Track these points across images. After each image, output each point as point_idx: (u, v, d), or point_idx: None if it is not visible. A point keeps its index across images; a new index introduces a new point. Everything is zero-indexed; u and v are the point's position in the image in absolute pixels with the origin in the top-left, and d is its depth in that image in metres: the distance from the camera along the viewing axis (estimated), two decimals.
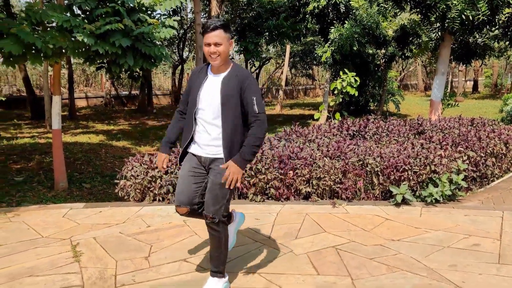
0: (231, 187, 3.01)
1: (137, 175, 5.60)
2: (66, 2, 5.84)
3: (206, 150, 3.17)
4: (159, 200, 5.58)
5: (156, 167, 5.58)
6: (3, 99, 10.05)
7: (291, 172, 5.46)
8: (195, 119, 3.18)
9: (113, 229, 4.67)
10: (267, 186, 5.52)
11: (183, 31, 20.18)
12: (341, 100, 9.38)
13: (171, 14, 15.69)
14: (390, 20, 11.33)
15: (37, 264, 3.81)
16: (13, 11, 13.31)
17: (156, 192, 5.56)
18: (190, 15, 21.40)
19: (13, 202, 5.97)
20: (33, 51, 5.27)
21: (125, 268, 3.75)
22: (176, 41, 20.62)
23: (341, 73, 8.43)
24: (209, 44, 3.00)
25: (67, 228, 4.68)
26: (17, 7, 21.82)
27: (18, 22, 5.15)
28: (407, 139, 6.85)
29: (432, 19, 8.73)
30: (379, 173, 5.58)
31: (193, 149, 3.25)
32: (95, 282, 3.51)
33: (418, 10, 9.45)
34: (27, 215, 5.11)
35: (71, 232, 4.57)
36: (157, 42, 5.73)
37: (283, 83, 21.07)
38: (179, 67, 20.82)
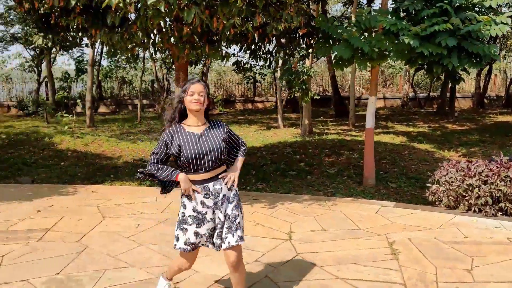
0: None
1: (452, 182, 5.34)
2: (391, 5, 6.03)
3: None
4: (474, 210, 5.19)
5: (474, 176, 5.21)
6: (318, 97, 11.25)
7: None
8: None
9: (427, 233, 4.59)
10: None
11: None
12: None
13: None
14: None
15: (359, 254, 4.08)
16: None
17: (472, 202, 5.19)
18: None
19: (328, 192, 6.59)
20: (360, 55, 5.65)
21: (446, 277, 3.62)
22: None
23: None
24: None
25: (382, 225, 4.86)
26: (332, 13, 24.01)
27: (349, 28, 5.62)
28: None
29: None
30: None
31: None
32: (416, 284, 3.51)
33: None
34: (344, 206, 5.56)
35: (385, 229, 4.72)
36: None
37: None
38: (486, 68, 19.00)
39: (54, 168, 8.15)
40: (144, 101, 18.92)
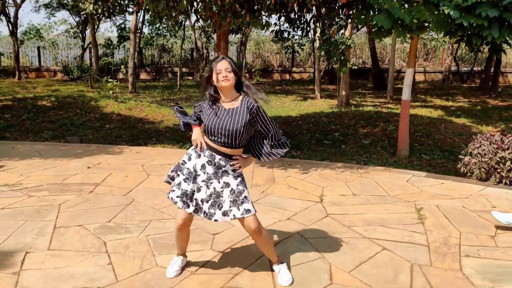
0: None
1: (484, 154, 5.42)
2: None
3: None
4: (505, 183, 5.28)
5: (507, 149, 5.27)
6: (356, 67, 11.25)
7: None
8: None
9: (456, 202, 4.74)
10: None
11: None
12: None
13: None
14: None
15: (387, 218, 4.30)
16: None
17: (504, 175, 5.27)
18: None
19: (361, 161, 6.77)
20: (399, 25, 5.70)
21: (470, 241, 3.80)
22: None
23: None
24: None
25: (411, 192, 5.04)
26: None
27: None
28: None
29: None
30: None
31: None
32: (439, 246, 3.71)
33: None
34: (375, 174, 5.74)
35: (414, 197, 4.89)
36: None
37: None
38: None
39: (100, 130, 8.65)
40: (184, 69, 19.29)
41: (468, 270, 3.33)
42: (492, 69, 15.89)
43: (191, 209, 2.99)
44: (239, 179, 3.02)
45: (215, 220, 2.98)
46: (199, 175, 3.00)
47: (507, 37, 5.27)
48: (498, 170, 5.31)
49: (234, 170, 3.02)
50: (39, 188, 5.03)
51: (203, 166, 3.00)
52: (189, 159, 3.07)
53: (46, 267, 3.31)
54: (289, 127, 9.00)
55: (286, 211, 4.44)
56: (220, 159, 2.99)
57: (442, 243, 3.77)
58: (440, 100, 13.29)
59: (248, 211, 2.94)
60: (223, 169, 2.99)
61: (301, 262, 3.42)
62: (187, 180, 3.01)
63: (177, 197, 3.00)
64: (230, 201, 2.96)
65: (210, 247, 3.67)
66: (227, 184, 2.98)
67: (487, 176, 5.45)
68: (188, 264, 3.35)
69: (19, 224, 4.03)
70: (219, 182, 2.98)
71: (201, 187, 2.98)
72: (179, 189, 3.01)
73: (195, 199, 2.98)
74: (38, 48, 20.94)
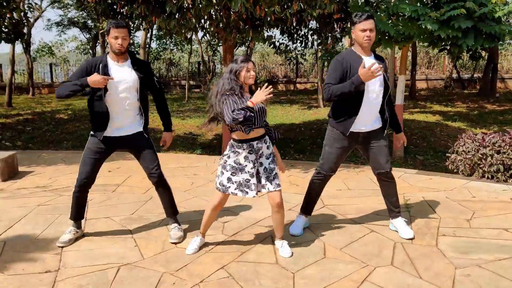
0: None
1: (468, 151, 6.01)
2: None
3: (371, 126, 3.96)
4: (487, 177, 5.85)
5: (488, 146, 5.85)
6: None
7: None
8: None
9: (440, 194, 5.33)
10: None
11: None
12: None
13: None
14: None
15: (377, 207, 4.90)
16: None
17: (486, 170, 5.84)
18: None
19: (358, 162, 7.37)
20: (386, 37, 6.35)
21: (447, 224, 4.39)
22: None
23: None
24: (364, 30, 3.72)
25: (401, 187, 5.62)
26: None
27: (379, 13, 6.32)
28: None
29: None
30: None
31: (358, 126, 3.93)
32: (421, 228, 4.30)
33: None
34: (370, 172, 6.24)
35: (403, 190, 5.49)
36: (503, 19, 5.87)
37: None
38: None
39: None
40: (191, 82, 20.05)
41: (443, 245, 3.92)
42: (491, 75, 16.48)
43: (251, 193, 3.62)
44: (270, 158, 3.71)
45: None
46: (246, 165, 3.62)
47: (481, 45, 5.89)
48: (481, 166, 5.89)
49: (268, 147, 3.70)
50: (68, 188, 5.69)
51: (245, 158, 3.62)
52: (229, 157, 3.67)
53: (82, 249, 3.94)
54: (292, 134, 9.64)
55: (288, 203, 5.04)
56: (257, 143, 3.61)
57: (423, 226, 4.36)
58: (439, 106, 13.87)
59: (278, 185, 3.67)
60: (260, 152, 3.65)
61: (299, 242, 4.03)
62: (234, 174, 3.64)
63: (234, 189, 3.65)
64: (265, 177, 3.65)
65: (221, 232, 4.29)
66: (260, 164, 3.68)
67: (471, 172, 6.03)
68: (204, 245, 3.97)
69: (55, 217, 4.68)
70: (261, 166, 3.67)
71: (252, 173, 3.62)
72: (232, 183, 3.64)
73: (253, 183, 3.62)
74: (50, 64, 21.84)
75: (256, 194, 3.64)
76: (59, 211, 4.86)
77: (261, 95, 3.41)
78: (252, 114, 3.40)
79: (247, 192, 3.63)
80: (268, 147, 3.70)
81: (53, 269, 3.57)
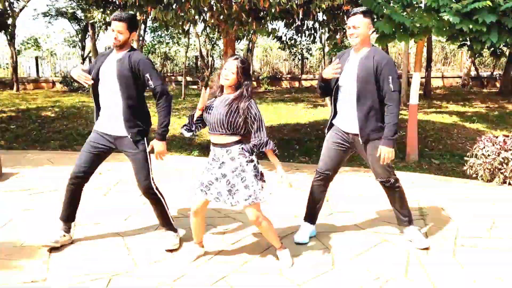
0: (386, 163, 3.94)
1: (488, 155, 6.01)
2: None
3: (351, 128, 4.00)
4: (509, 183, 5.85)
5: (510, 149, 5.85)
6: None
7: None
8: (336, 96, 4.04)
9: (458, 201, 5.33)
10: None
11: None
12: None
13: None
14: None
15: (390, 215, 4.90)
16: None
17: (507, 175, 5.84)
18: None
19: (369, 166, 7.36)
20: (401, 30, 6.36)
21: (466, 233, 4.39)
22: None
23: None
24: (348, 27, 3.91)
25: (415, 192, 5.62)
26: None
27: (392, 4, 6.33)
28: None
29: None
30: None
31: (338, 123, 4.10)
32: (437, 237, 4.30)
33: None
34: None
35: (418, 196, 5.49)
36: None
37: None
38: None
39: None
40: (188, 78, 20.07)
41: (460, 256, 3.91)
42: None
43: (210, 197, 3.68)
44: (236, 172, 3.61)
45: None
46: (214, 167, 3.68)
47: (507, 41, 5.89)
48: (502, 171, 5.89)
49: (233, 159, 3.64)
50: (55, 192, 5.70)
51: (212, 160, 3.70)
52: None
53: (71, 257, 3.95)
54: (297, 134, 9.64)
55: (293, 208, 5.05)
56: (219, 151, 3.66)
57: (439, 235, 4.36)
58: (456, 106, 13.88)
59: (236, 202, 3.59)
60: (221, 161, 3.65)
61: (306, 251, 4.03)
62: (203, 173, 3.71)
63: (197, 188, 3.73)
64: (227, 190, 3.60)
65: (221, 240, 4.29)
66: (223, 175, 3.64)
67: (491, 177, 6.03)
68: (203, 253, 3.97)
69: (42, 223, 4.69)
70: (221, 173, 3.65)
71: (213, 175, 3.67)
72: (200, 182, 3.72)
73: (214, 188, 3.66)
74: (36, 58, 21.87)
75: (215, 200, 3.64)
76: (46, 216, 4.87)
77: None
78: (187, 127, 3.75)
79: (205, 193, 3.66)
80: (232, 159, 3.59)
81: (40, 278, 3.57)
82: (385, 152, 3.87)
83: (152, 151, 4.01)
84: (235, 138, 3.58)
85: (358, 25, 3.87)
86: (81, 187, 4.12)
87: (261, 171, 3.68)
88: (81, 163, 4.03)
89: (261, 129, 3.57)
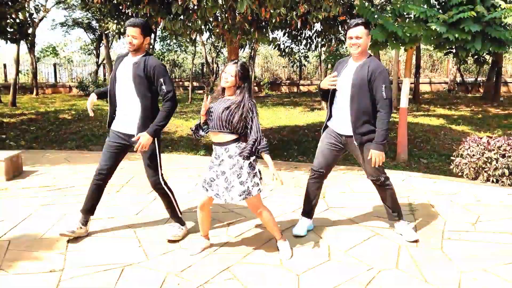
0: (377, 166, 3.90)
1: (473, 155, 5.99)
2: None
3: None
4: (492, 181, 5.83)
5: (493, 150, 5.83)
6: None
7: None
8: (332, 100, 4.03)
9: (445, 197, 5.31)
10: None
11: None
12: None
13: None
14: None
15: (381, 210, 4.88)
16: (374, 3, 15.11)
17: (490, 173, 5.82)
18: None
19: None
20: (393, 39, 6.35)
21: (452, 227, 4.37)
22: None
23: None
24: (350, 37, 3.85)
25: (405, 189, 5.61)
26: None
27: (384, 14, 6.32)
28: None
29: None
30: None
31: (332, 125, 4.10)
32: (426, 231, 4.29)
33: None
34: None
35: (408, 193, 5.47)
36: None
37: None
38: None
39: None
40: (195, 83, 20.07)
41: (448, 249, 3.90)
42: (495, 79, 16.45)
43: (211, 193, 3.67)
44: (233, 169, 3.60)
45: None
46: (212, 167, 3.71)
47: (489, 49, 5.88)
48: (486, 170, 5.87)
49: (231, 157, 3.64)
50: (72, 188, 5.70)
51: (215, 158, 3.70)
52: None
53: (87, 249, 3.95)
54: (296, 136, 9.63)
55: (293, 204, 5.04)
56: (218, 149, 3.68)
57: (428, 229, 4.35)
58: (443, 110, 13.86)
59: (231, 199, 3.59)
60: (220, 159, 3.66)
61: (304, 244, 4.02)
62: (208, 170, 3.72)
63: (201, 183, 3.75)
64: (224, 187, 3.60)
65: (225, 233, 4.28)
66: (222, 172, 3.64)
67: (476, 175, 6.01)
68: (208, 246, 3.96)
69: (60, 217, 4.69)
70: (223, 173, 3.64)
71: (215, 173, 3.69)
72: (204, 177, 3.74)
73: (215, 185, 3.67)
74: (54, 65, 21.91)
75: (215, 196, 3.64)
76: (63, 211, 4.87)
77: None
78: (192, 129, 3.82)
79: (207, 190, 3.66)
80: (230, 157, 3.58)
81: (57, 268, 3.57)
82: (376, 156, 3.85)
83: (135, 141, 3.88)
84: (233, 136, 3.59)
85: (360, 36, 3.83)
86: (105, 182, 4.16)
87: (258, 169, 3.68)
88: (102, 161, 4.08)
89: (256, 128, 3.58)
